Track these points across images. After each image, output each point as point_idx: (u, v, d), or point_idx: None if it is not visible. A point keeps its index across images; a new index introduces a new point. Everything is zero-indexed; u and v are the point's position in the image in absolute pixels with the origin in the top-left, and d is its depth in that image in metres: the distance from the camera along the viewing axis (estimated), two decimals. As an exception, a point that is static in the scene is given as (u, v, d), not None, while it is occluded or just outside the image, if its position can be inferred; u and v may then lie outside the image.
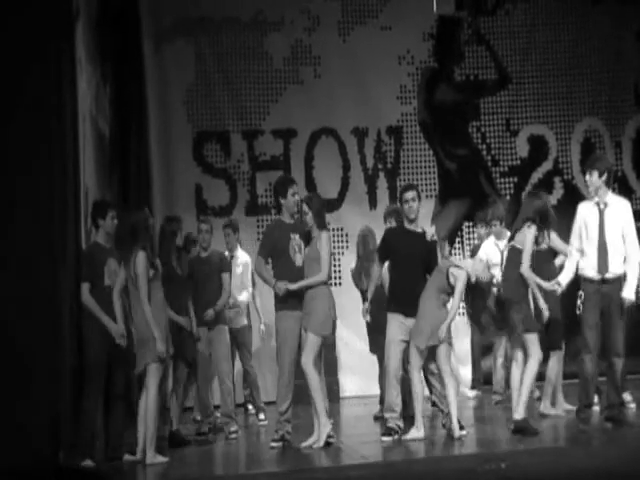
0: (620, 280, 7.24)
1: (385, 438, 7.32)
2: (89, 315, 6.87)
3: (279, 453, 7.19)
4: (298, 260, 7.36)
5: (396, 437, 7.30)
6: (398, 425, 7.35)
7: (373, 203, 11.04)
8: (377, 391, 8.74)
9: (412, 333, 7.28)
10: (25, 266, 6.29)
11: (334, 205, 10.98)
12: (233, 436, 7.91)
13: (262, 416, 8.95)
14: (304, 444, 7.20)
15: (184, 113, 10.88)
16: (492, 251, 8.98)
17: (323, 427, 7.14)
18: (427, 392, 7.83)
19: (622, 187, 11.15)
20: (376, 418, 8.45)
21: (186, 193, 10.70)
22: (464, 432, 7.25)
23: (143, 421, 6.82)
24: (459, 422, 7.31)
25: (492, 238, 9.16)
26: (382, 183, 11.13)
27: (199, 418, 8.35)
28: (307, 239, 7.35)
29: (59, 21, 6.98)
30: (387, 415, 7.38)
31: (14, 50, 6.53)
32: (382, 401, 8.13)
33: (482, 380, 10.05)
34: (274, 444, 7.31)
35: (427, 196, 11.08)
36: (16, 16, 6.47)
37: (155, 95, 10.74)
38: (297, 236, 7.39)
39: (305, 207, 7.32)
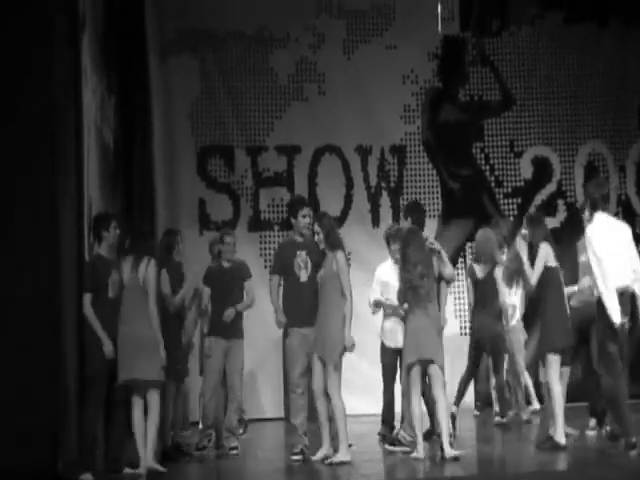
0: None
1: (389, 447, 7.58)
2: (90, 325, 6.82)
3: (287, 470, 7.17)
4: (303, 276, 7.42)
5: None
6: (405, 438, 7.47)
7: (376, 222, 11.01)
8: (377, 409, 8.70)
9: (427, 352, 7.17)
10: (27, 274, 6.23)
11: (337, 223, 10.90)
12: (234, 452, 7.82)
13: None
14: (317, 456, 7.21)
15: (188, 127, 10.88)
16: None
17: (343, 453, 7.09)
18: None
19: (626, 210, 11.14)
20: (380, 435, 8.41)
21: (189, 207, 10.67)
22: (456, 453, 7.08)
23: (142, 433, 6.75)
24: (451, 442, 7.23)
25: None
26: (385, 202, 11.11)
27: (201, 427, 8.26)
28: (320, 259, 7.30)
29: (66, 29, 6.97)
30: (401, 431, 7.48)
31: (19, 56, 6.51)
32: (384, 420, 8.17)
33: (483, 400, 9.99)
34: (295, 457, 7.32)
35: (430, 216, 11.07)
36: (22, 20, 6.45)
37: (160, 108, 10.75)
38: (304, 253, 7.45)
39: (316, 227, 7.31)
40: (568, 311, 7.43)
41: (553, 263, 7.44)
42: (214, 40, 10.96)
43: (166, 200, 10.62)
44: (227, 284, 7.94)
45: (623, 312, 6.90)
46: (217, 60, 10.97)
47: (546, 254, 7.42)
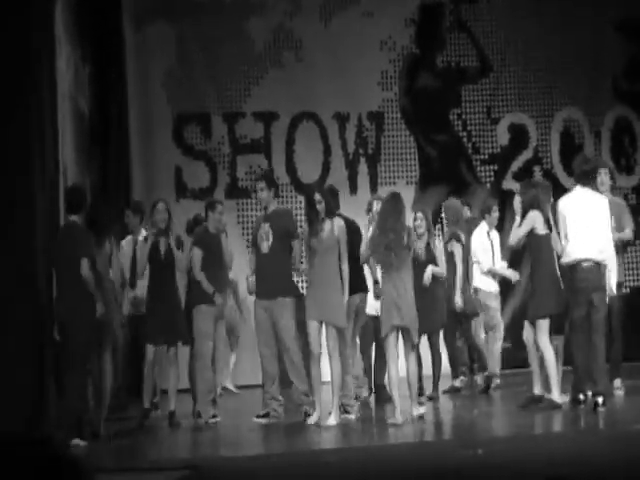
0: None
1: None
2: (78, 289, 6.76)
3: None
4: (264, 248, 7.59)
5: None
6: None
7: (354, 188, 11.03)
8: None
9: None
10: (2, 243, 6.21)
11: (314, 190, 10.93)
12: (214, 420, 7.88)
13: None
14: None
15: (164, 95, 10.81)
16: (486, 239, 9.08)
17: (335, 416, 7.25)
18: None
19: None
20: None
21: (166, 175, 10.64)
22: (422, 411, 7.26)
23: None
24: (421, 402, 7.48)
25: (485, 226, 9.15)
26: (363, 168, 11.13)
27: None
28: (318, 226, 7.38)
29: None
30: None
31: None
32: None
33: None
34: (258, 419, 7.51)
35: (407, 182, 11.11)
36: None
37: (135, 76, 10.66)
38: (267, 225, 7.61)
39: (317, 195, 7.48)
40: (559, 277, 7.49)
41: (542, 231, 7.47)
42: (190, 7, 10.87)
43: (142, 168, 10.58)
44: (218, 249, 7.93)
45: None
46: (193, 27, 10.88)
47: (533, 221, 7.47)
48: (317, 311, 7.25)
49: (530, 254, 7.65)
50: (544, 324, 7.41)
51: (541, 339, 7.41)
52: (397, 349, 7.18)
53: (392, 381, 7.21)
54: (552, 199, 7.87)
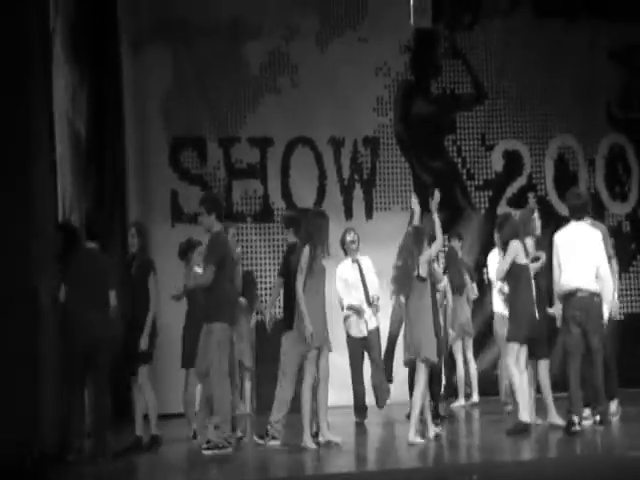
0: None
1: None
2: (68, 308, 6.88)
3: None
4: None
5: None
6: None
7: (349, 213, 11.03)
8: (350, 401, 8.83)
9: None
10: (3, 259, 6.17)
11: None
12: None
13: None
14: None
15: (161, 118, 10.81)
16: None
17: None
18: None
19: (595, 204, 11.22)
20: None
21: (161, 199, 10.61)
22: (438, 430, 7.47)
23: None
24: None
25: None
26: (358, 194, 11.14)
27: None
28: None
29: (38, 16, 6.88)
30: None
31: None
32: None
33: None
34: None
35: (402, 208, 11.11)
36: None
37: (132, 99, 10.66)
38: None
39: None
40: (534, 306, 7.68)
41: (523, 260, 7.66)
42: (187, 31, 10.88)
43: (138, 192, 10.55)
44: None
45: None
46: (190, 51, 10.90)
47: (515, 251, 7.66)
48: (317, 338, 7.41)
49: (509, 282, 7.83)
50: (511, 349, 7.65)
51: (507, 362, 7.75)
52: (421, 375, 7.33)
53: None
54: (537, 223, 8.11)
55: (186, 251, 8.52)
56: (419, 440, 7.26)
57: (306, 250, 7.38)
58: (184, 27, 10.89)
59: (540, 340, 7.80)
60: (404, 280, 7.32)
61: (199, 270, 8.03)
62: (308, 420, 7.36)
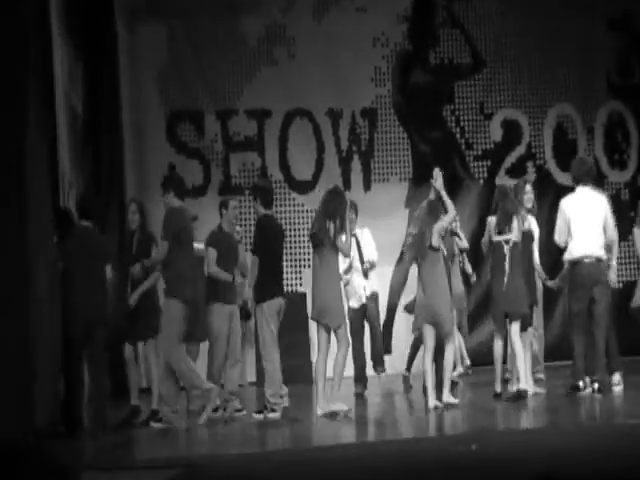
0: None
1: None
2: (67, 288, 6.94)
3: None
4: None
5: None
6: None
7: (347, 185, 11.01)
8: (349, 372, 8.89)
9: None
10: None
11: (308, 187, 10.96)
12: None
13: None
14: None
15: (157, 93, 10.80)
16: None
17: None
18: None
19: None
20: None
21: (159, 172, 10.55)
22: (438, 403, 7.46)
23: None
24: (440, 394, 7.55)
25: None
26: (356, 165, 11.12)
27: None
28: None
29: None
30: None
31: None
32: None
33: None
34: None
35: (401, 179, 11.13)
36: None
37: (128, 74, 10.64)
38: None
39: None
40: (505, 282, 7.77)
41: (495, 237, 7.84)
42: (181, 5, 10.82)
43: (135, 166, 10.55)
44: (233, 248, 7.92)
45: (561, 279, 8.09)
46: (185, 25, 10.85)
47: (488, 227, 7.91)
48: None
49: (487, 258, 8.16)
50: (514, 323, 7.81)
51: (510, 332, 7.84)
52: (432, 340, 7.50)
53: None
54: (530, 196, 8.21)
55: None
56: (439, 404, 7.41)
57: (332, 227, 7.40)
58: (178, 1, 10.82)
59: (519, 312, 7.86)
60: (419, 248, 7.52)
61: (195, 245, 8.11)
62: (322, 389, 7.42)
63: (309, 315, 7.84)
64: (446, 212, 7.62)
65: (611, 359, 8.12)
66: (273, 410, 7.55)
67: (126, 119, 10.52)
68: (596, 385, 7.67)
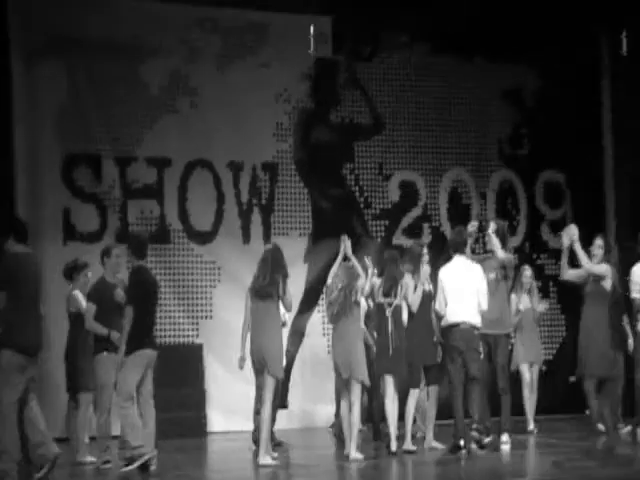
0: None
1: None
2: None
3: None
4: None
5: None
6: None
7: (247, 238, 10.92)
8: (245, 427, 8.73)
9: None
10: None
11: (207, 238, 10.80)
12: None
13: None
14: None
15: (53, 134, 10.44)
16: None
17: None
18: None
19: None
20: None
21: (53, 217, 10.22)
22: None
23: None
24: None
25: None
26: (257, 218, 11.04)
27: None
28: None
29: None
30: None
31: None
32: None
33: None
34: None
35: (300, 234, 11.11)
36: None
37: (23, 114, 10.29)
38: None
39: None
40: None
41: (379, 299, 8.22)
42: (83, 47, 10.56)
43: (28, 208, 10.11)
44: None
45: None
46: (86, 67, 10.59)
47: (375, 289, 8.21)
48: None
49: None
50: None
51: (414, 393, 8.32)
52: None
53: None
54: (425, 258, 8.52)
55: (71, 271, 8.25)
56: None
57: (281, 282, 7.70)
58: (80, 42, 10.57)
59: (426, 368, 8.26)
60: (343, 304, 7.89)
61: (79, 295, 7.92)
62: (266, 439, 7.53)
63: (253, 365, 7.73)
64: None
65: (502, 419, 8.37)
66: (130, 462, 7.13)
67: (20, 159, 10.14)
68: (480, 436, 8.00)
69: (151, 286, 7.42)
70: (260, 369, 7.55)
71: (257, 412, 8.17)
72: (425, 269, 8.42)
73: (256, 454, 7.75)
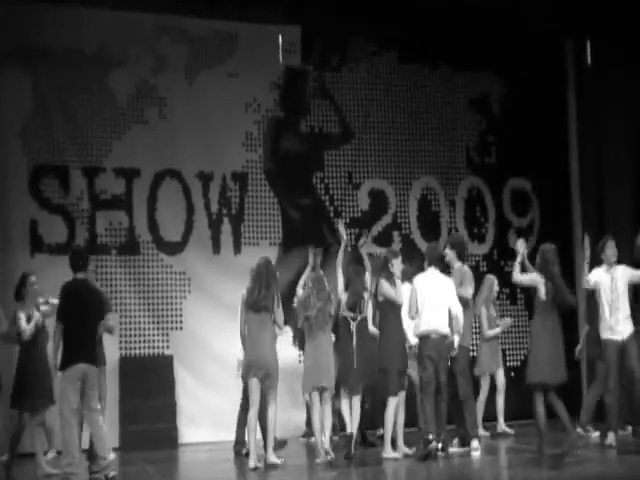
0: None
1: None
2: None
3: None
4: None
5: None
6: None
7: (217, 248, 10.87)
8: (217, 437, 8.91)
9: None
10: None
11: (177, 248, 10.73)
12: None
13: None
14: None
15: (19, 145, 10.32)
16: None
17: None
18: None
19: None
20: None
21: (20, 228, 10.09)
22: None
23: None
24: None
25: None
26: (227, 228, 10.99)
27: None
28: None
29: None
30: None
31: None
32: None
33: None
34: None
35: (271, 243, 11.08)
36: None
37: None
38: None
39: None
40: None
41: (343, 312, 8.44)
42: (49, 56, 10.46)
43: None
44: None
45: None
46: (52, 77, 10.48)
47: (340, 302, 8.51)
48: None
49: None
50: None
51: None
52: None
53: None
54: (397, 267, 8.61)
55: (20, 289, 8.17)
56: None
57: (275, 297, 8.23)
58: (46, 52, 10.47)
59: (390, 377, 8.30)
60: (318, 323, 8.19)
61: (21, 314, 7.89)
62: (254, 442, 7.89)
63: (246, 374, 8.01)
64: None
65: (469, 425, 8.55)
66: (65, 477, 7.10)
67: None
68: (440, 445, 8.23)
69: (79, 299, 7.30)
70: (263, 379, 7.89)
71: (241, 424, 8.34)
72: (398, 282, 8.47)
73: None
